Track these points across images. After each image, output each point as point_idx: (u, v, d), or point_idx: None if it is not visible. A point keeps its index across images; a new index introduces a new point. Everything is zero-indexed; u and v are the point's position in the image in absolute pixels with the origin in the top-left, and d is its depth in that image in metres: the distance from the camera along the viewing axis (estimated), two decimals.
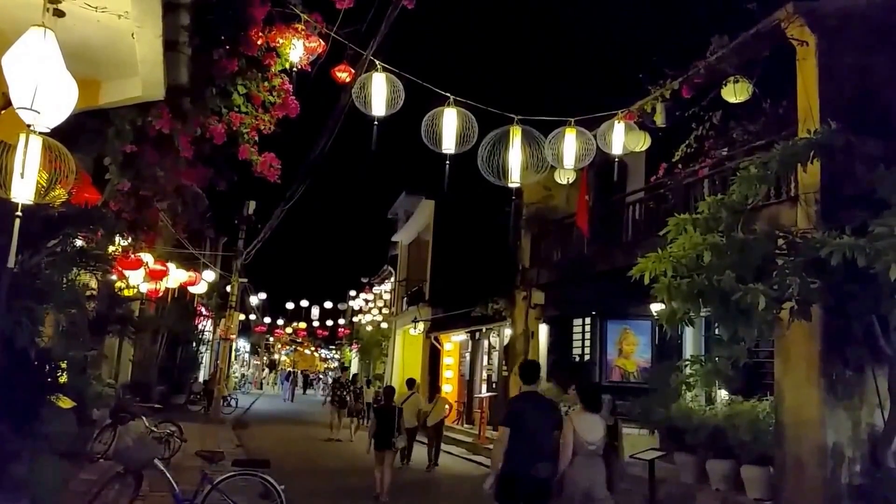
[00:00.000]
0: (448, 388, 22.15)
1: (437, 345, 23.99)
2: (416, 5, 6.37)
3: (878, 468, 7.19)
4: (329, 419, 19.08)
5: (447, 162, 6.17)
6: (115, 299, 10.85)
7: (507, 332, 17.28)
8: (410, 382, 14.95)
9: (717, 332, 8.06)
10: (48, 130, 3.99)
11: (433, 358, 24.42)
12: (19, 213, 4.04)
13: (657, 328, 11.55)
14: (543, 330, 15.45)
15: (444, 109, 6.05)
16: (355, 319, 37.25)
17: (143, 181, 7.48)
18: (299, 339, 54.76)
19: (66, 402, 5.63)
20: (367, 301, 33.82)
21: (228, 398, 24.18)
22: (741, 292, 6.02)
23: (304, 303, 40.31)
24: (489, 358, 20.40)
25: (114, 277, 9.76)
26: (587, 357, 13.93)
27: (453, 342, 23.64)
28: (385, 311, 31.87)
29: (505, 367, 17.18)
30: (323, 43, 6.34)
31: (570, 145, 6.49)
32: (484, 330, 20.19)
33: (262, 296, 38.41)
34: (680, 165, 10.72)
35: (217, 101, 6.31)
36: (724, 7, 9.15)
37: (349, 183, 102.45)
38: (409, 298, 27.21)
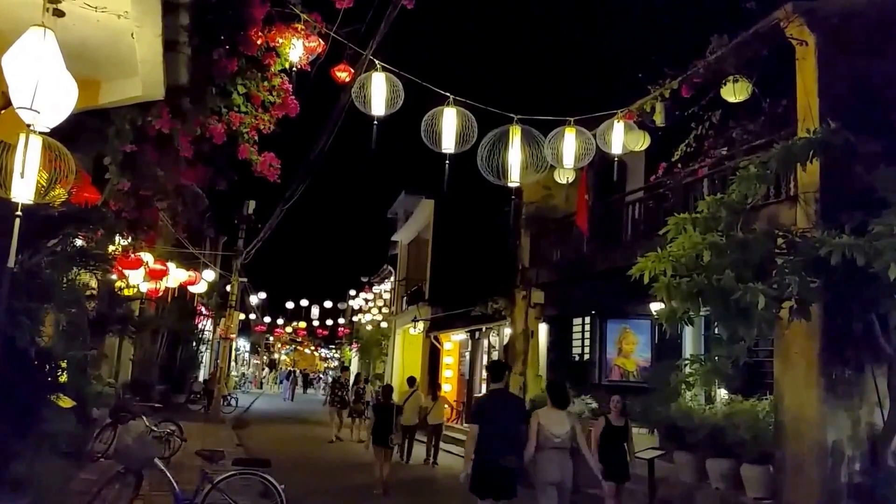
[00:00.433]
0: (448, 388, 22.14)
1: (436, 344, 24.00)
2: (415, 5, 6.37)
3: (877, 467, 7.20)
4: (329, 420, 19.01)
5: (447, 161, 6.17)
6: (115, 299, 10.86)
7: (507, 331, 17.28)
8: (411, 381, 15.14)
9: (716, 331, 8.06)
10: (48, 130, 3.99)
11: (433, 357, 24.44)
12: (19, 213, 4.05)
13: (657, 327, 11.52)
14: (543, 329, 15.46)
15: (444, 109, 6.04)
16: (355, 319, 37.24)
17: (143, 181, 7.48)
18: (299, 339, 54.77)
19: (66, 402, 5.64)
20: (366, 300, 33.82)
21: (228, 397, 24.19)
22: (741, 291, 6.02)
23: (304, 302, 40.31)
24: (489, 357, 20.39)
25: (114, 277, 9.76)
26: (587, 356, 13.93)
27: (453, 341, 23.65)
28: (385, 310, 31.87)
29: None
30: (322, 43, 6.34)
31: (569, 145, 6.48)
32: (484, 329, 20.20)
33: (262, 295, 38.40)
34: (679, 165, 10.71)
35: (217, 101, 6.31)
36: (724, 7, 9.15)
37: (349, 182, 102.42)
38: (408, 298, 27.22)
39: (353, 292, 37.16)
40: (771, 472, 8.07)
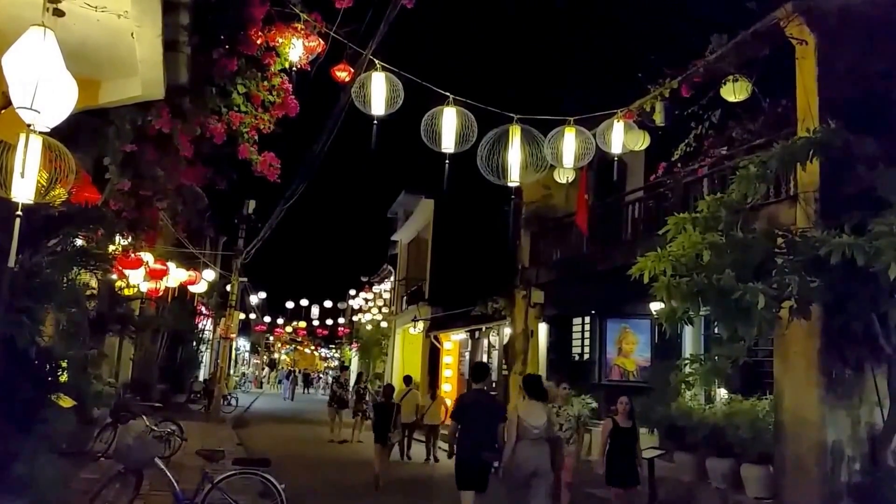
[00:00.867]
0: (448, 388, 22.14)
1: (436, 344, 23.99)
2: (415, 5, 6.38)
3: (877, 467, 7.20)
4: (329, 420, 18.89)
5: (447, 161, 6.17)
6: (116, 298, 10.88)
7: (507, 331, 17.28)
8: (407, 379, 15.27)
9: (716, 330, 8.07)
10: (48, 130, 4.00)
11: (433, 357, 24.43)
12: (20, 213, 4.05)
13: (657, 327, 11.50)
14: (543, 329, 15.46)
15: (444, 108, 6.04)
16: (355, 318, 37.21)
17: (143, 180, 7.50)
18: (299, 338, 54.76)
19: (66, 401, 5.64)
20: (366, 300, 33.78)
21: (229, 397, 24.19)
22: (740, 291, 6.03)
23: (304, 302, 40.29)
24: (489, 357, 20.38)
25: (114, 277, 9.77)
26: (587, 356, 13.94)
27: (453, 341, 23.63)
28: (385, 310, 31.86)
29: (505, 367, 17.16)
30: (322, 42, 6.35)
31: (569, 144, 6.48)
32: (483, 329, 20.19)
33: (262, 295, 38.40)
34: (679, 164, 10.71)
35: (217, 101, 6.32)
36: (724, 6, 9.14)
37: (349, 182, 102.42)
38: (408, 297, 27.21)
39: (353, 292, 37.14)
40: (771, 471, 8.08)
